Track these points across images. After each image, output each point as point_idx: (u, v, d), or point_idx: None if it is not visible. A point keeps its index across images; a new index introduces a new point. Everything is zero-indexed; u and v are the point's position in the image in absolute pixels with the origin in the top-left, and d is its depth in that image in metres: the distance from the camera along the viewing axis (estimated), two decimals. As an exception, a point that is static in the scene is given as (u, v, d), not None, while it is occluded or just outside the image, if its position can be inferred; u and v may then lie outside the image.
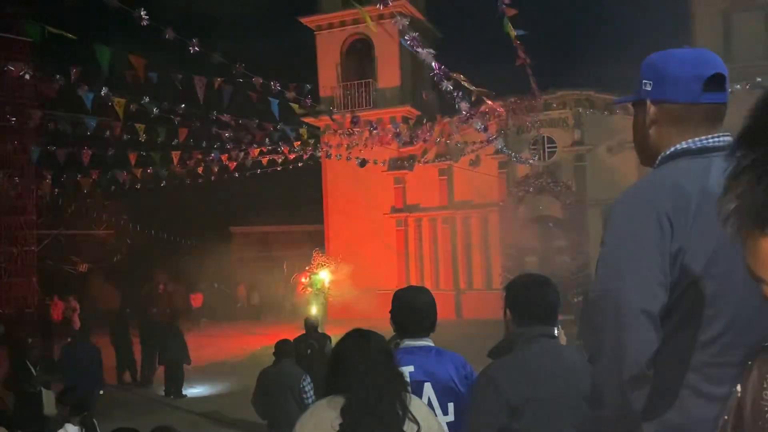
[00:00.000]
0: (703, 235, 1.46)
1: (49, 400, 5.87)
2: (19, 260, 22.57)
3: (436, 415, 2.56)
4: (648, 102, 1.68)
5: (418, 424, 2.15)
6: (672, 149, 1.62)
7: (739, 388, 1.17)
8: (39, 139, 17.92)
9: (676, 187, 1.51)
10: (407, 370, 2.67)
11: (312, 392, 6.24)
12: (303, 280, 21.58)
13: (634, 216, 1.52)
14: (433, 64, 9.19)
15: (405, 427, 2.13)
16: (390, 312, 2.90)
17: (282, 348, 6.74)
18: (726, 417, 1.19)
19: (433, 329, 2.87)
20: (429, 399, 2.67)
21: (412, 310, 2.85)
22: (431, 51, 8.86)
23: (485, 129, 15.03)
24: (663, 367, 1.48)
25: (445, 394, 2.69)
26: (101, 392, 12.04)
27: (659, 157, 1.66)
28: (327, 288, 20.68)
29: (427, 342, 2.84)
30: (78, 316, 18.33)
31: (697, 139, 1.60)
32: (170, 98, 11.27)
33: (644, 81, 1.67)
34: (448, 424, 2.65)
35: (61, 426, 4.96)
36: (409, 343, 2.82)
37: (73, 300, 19.83)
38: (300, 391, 6.22)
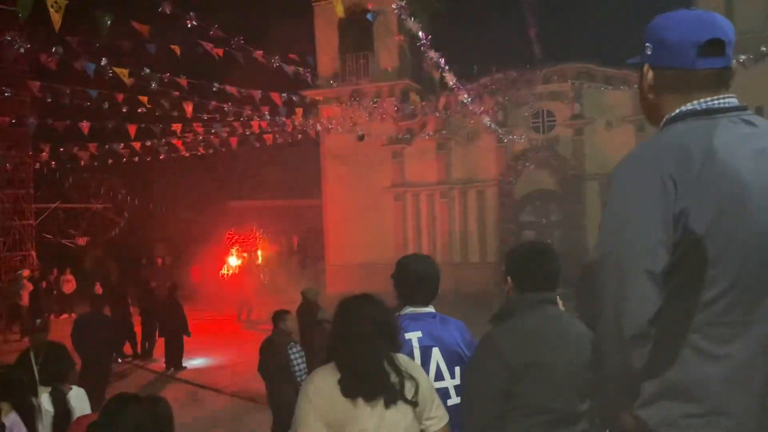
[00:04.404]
0: (706, 195, 1.47)
1: (77, 395, 5.37)
2: (18, 234, 22.57)
3: (444, 378, 2.73)
4: (646, 66, 1.68)
5: (415, 380, 2.31)
6: (677, 111, 1.62)
7: None
8: (36, 111, 17.79)
9: (680, 148, 1.51)
10: (415, 335, 2.73)
11: (300, 360, 6.37)
12: (231, 261, 21.18)
13: (638, 177, 1.53)
14: (420, 34, 9.17)
15: (405, 389, 2.28)
16: (393, 279, 2.92)
17: (275, 318, 6.90)
18: None
19: (435, 297, 2.89)
20: (437, 363, 2.73)
21: (418, 278, 2.86)
22: (418, 23, 8.82)
23: (472, 101, 14.99)
24: (665, 327, 1.50)
25: (452, 359, 2.74)
26: (119, 360, 12.30)
27: (664, 119, 1.66)
28: (261, 265, 20.43)
29: (430, 309, 2.86)
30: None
31: (702, 100, 1.60)
32: (170, 71, 11.20)
33: (646, 44, 1.67)
34: (455, 387, 2.71)
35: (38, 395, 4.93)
36: (412, 309, 2.84)
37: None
38: (286, 359, 6.35)
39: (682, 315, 1.51)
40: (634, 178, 1.54)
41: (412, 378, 2.30)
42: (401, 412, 2.27)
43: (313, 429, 2.23)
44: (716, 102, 1.59)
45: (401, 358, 2.38)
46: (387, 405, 2.24)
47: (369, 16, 9.44)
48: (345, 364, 2.30)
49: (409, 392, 2.28)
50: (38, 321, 9.24)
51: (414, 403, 2.28)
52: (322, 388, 2.28)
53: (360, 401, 2.23)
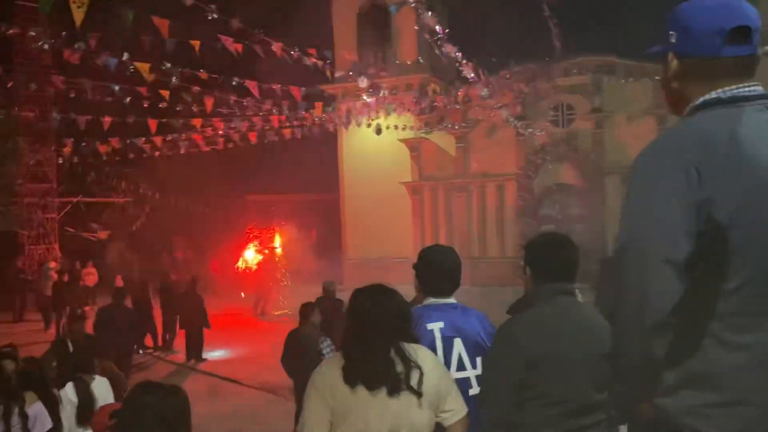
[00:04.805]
0: (731, 184, 1.46)
1: (100, 384, 5.36)
2: (41, 227, 22.94)
3: (466, 368, 2.73)
4: (670, 55, 1.66)
5: (420, 370, 2.29)
6: (702, 99, 1.60)
7: None
8: (59, 106, 18.02)
9: (704, 137, 1.50)
10: (437, 326, 2.74)
11: (331, 353, 6.39)
12: (248, 255, 20.86)
13: (661, 166, 1.51)
14: (437, 28, 9.15)
15: (411, 379, 2.27)
16: (415, 269, 2.92)
17: (303, 311, 6.89)
18: None
19: (456, 288, 2.90)
20: (460, 354, 2.73)
21: (440, 269, 2.87)
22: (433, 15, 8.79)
23: (491, 95, 14.93)
24: (687, 316, 1.49)
25: (473, 349, 2.75)
26: (140, 352, 12.47)
27: (688, 107, 1.64)
28: (278, 258, 20.25)
29: (452, 300, 2.87)
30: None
31: (727, 88, 1.58)
32: (190, 66, 11.28)
33: (670, 32, 1.65)
34: (477, 377, 2.71)
35: (63, 386, 5.01)
36: (434, 300, 2.85)
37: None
38: (316, 352, 6.37)
39: (704, 304, 1.50)
40: (656, 167, 1.52)
41: (418, 368, 2.29)
42: (407, 402, 2.25)
43: (316, 415, 2.28)
44: (741, 90, 1.57)
45: (414, 348, 2.37)
46: (390, 394, 2.24)
47: (392, 9, 9.45)
48: (349, 352, 2.33)
49: (414, 382, 2.26)
50: (78, 311, 9.40)
51: (418, 393, 2.26)
52: (327, 375, 2.32)
53: (361, 389, 2.25)
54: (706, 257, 1.49)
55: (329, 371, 2.33)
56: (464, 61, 10.47)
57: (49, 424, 4.67)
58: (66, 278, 17.31)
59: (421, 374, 2.28)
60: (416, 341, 2.44)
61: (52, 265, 18.66)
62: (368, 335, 2.32)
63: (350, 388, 2.25)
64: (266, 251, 20.35)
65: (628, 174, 1.61)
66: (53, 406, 4.77)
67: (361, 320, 2.37)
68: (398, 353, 2.30)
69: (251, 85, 12.40)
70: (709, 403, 1.50)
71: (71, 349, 6.84)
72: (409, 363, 2.28)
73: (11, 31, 9.59)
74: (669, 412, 1.54)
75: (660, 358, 1.51)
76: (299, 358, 6.47)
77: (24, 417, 4.57)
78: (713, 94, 1.59)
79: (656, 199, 1.49)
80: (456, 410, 2.36)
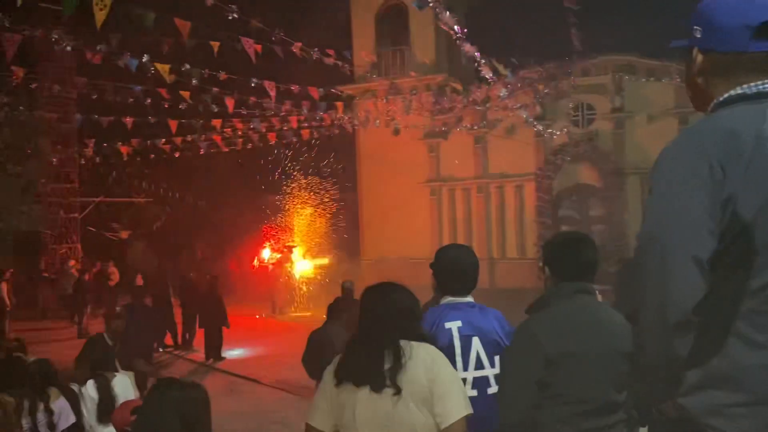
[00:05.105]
0: (756, 181, 1.43)
1: (121, 382, 5.39)
2: (64, 226, 23.27)
3: (485, 367, 2.74)
4: (695, 50, 1.63)
5: (402, 365, 2.26)
6: (726, 95, 1.57)
7: None
8: (81, 107, 18.26)
9: (729, 133, 1.47)
10: (455, 325, 2.74)
11: None
12: (265, 254, 20.60)
13: (685, 162, 1.49)
14: (455, 27, 9.13)
15: (396, 377, 2.26)
16: (432, 268, 2.92)
17: (330, 310, 6.87)
18: None
19: (474, 287, 2.89)
20: (478, 352, 2.74)
21: (457, 268, 2.88)
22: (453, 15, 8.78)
23: (510, 94, 14.86)
24: (711, 314, 1.47)
25: (491, 348, 2.75)
26: (160, 350, 12.63)
27: (712, 104, 1.61)
28: (296, 258, 20.09)
29: (469, 299, 2.87)
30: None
31: (753, 84, 1.55)
32: (210, 66, 11.36)
33: (695, 27, 1.62)
34: (495, 376, 2.72)
35: (83, 384, 5.07)
36: (452, 299, 2.85)
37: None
38: None
39: (728, 303, 1.48)
40: (680, 163, 1.50)
41: (401, 365, 2.26)
42: (393, 400, 2.24)
43: (318, 406, 2.38)
44: (767, 86, 1.54)
45: (414, 346, 2.32)
46: (374, 390, 2.25)
47: (415, 4, 9.46)
48: (347, 349, 2.39)
49: (399, 380, 2.24)
50: (118, 308, 9.52)
51: (397, 389, 2.23)
52: (330, 371, 2.39)
53: (348, 385, 2.29)
54: (731, 255, 1.46)
55: (332, 367, 2.41)
56: (483, 61, 10.44)
57: (72, 419, 4.75)
58: (87, 277, 17.54)
59: (400, 370, 2.24)
60: (425, 339, 2.42)
61: (72, 263, 18.92)
62: (367, 331, 2.36)
63: (338, 384, 2.31)
64: (284, 249, 20.45)
65: (651, 170, 1.58)
66: (72, 402, 4.84)
67: (363, 316, 2.42)
68: (393, 350, 2.28)
69: (269, 86, 12.46)
70: (732, 403, 1.48)
71: (110, 343, 6.95)
72: (399, 360, 2.26)
73: (35, 34, 9.74)
74: (691, 411, 1.52)
75: (682, 357, 1.49)
76: (322, 358, 6.44)
77: (49, 412, 4.64)
78: (738, 90, 1.56)
79: (680, 196, 1.47)
80: (447, 414, 2.23)
